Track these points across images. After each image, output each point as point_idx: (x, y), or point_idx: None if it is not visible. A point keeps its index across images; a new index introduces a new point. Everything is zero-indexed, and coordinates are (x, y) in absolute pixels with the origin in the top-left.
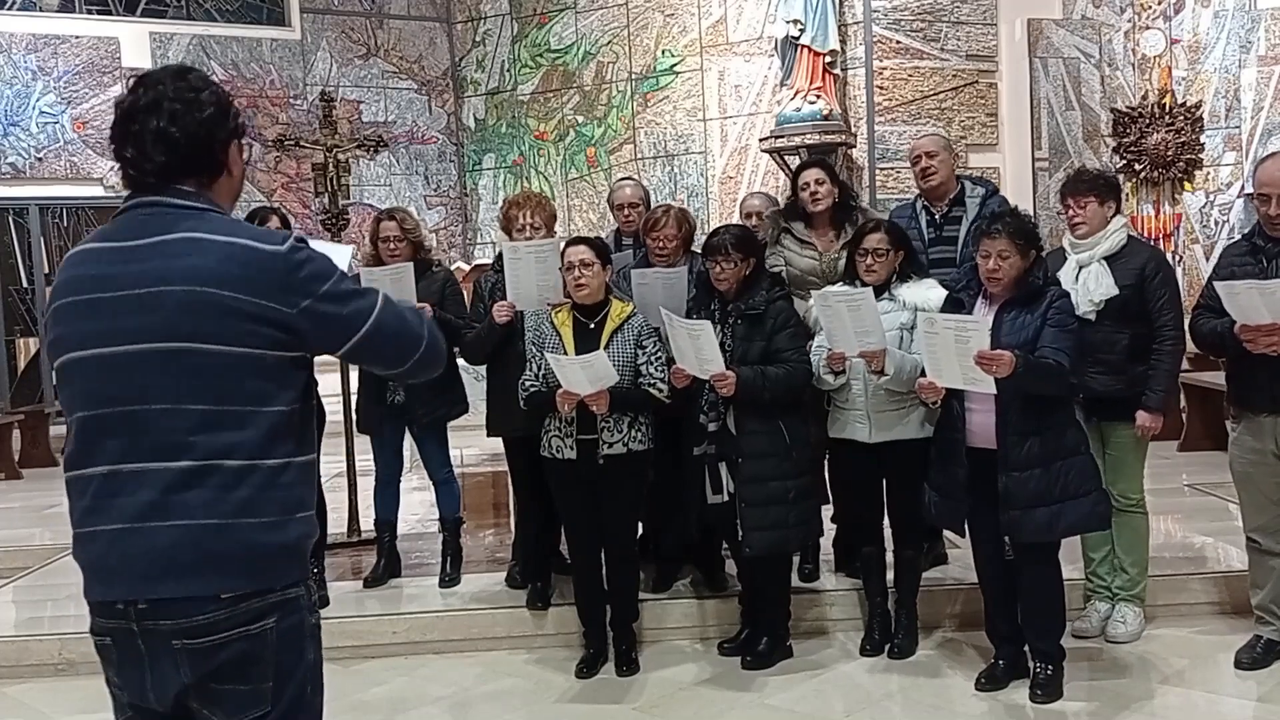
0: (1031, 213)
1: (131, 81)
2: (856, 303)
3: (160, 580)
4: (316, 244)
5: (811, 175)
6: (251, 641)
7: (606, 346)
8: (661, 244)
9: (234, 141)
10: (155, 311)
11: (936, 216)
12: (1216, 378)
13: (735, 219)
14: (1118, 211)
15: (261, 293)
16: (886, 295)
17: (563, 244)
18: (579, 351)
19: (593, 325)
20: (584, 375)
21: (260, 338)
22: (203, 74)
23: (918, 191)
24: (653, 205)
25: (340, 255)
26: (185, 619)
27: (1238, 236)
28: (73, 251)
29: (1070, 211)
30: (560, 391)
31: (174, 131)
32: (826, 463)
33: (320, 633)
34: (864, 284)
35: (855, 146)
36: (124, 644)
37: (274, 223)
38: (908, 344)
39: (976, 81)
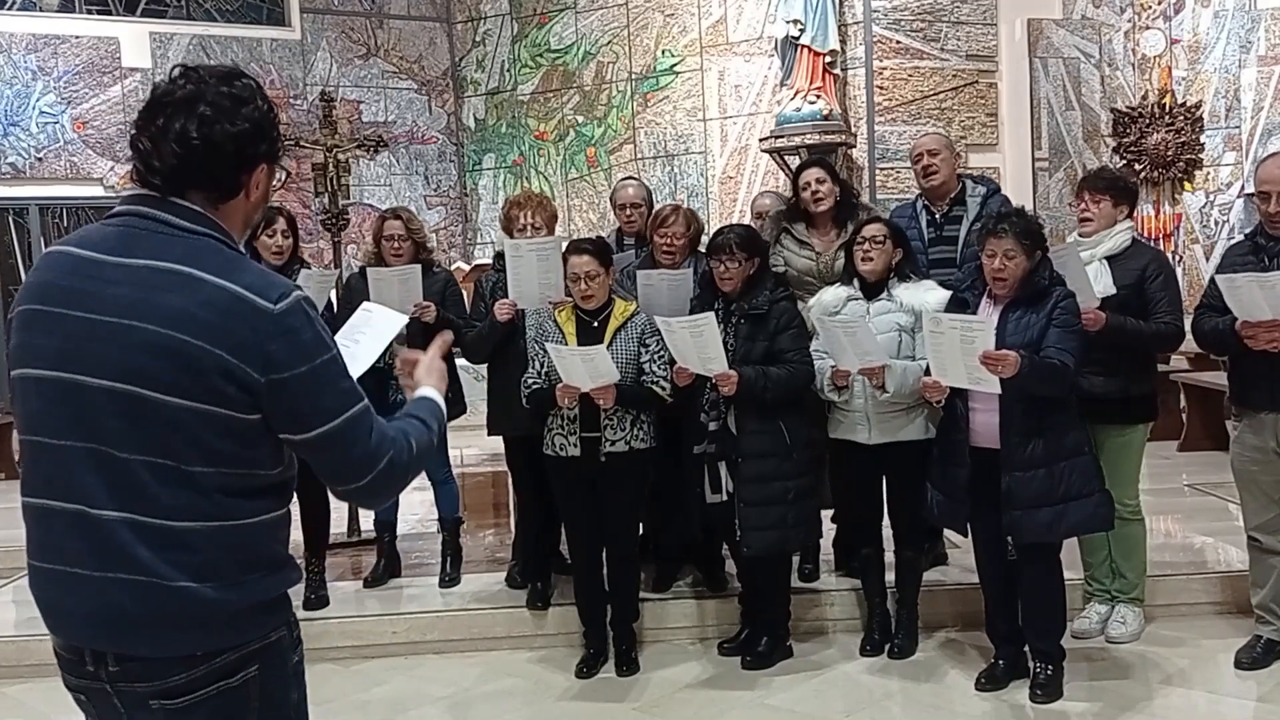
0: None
1: (175, 70)
2: (852, 328)
3: (121, 636)
4: (378, 309)
5: (812, 175)
6: (232, 694)
7: (609, 345)
8: (669, 242)
9: (263, 166)
10: (119, 348)
11: (937, 216)
12: (1217, 378)
13: (735, 219)
14: (1129, 216)
15: (236, 349)
16: (884, 295)
17: (564, 244)
18: None
19: (596, 324)
20: (584, 368)
21: (226, 398)
22: (254, 84)
23: (918, 191)
24: (654, 206)
25: (391, 325)
26: (160, 680)
27: (1238, 236)
28: (50, 250)
29: (1082, 206)
30: (560, 386)
31: (194, 138)
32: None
33: (303, 669)
34: (861, 280)
35: (855, 146)
36: (100, 703)
37: (280, 224)
38: (906, 345)
39: (976, 81)
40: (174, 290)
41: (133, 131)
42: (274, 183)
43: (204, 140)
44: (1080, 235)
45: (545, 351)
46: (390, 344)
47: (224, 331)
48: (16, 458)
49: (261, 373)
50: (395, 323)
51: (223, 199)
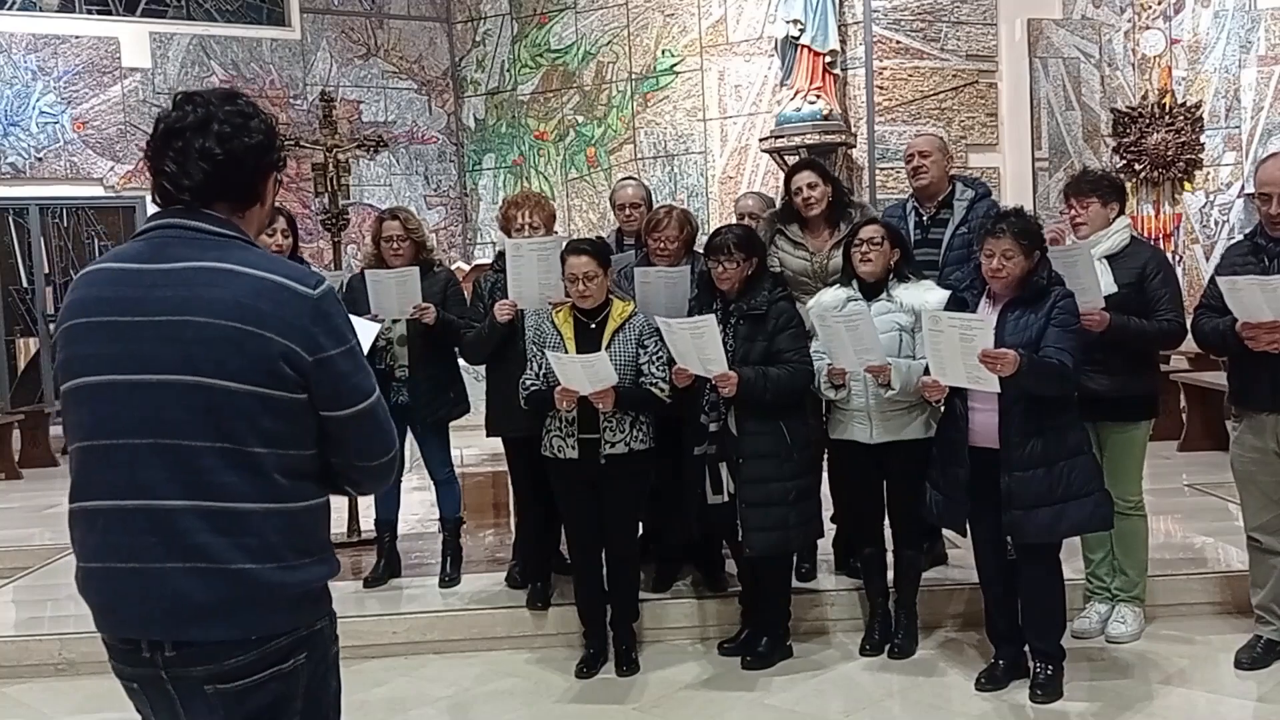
0: (1032, 213)
1: (178, 97)
2: (855, 322)
3: (186, 624)
4: (354, 320)
5: (803, 179)
6: (284, 680)
7: (608, 346)
8: (663, 245)
9: (273, 173)
10: (175, 343)
11: (924, 218)
12: (1217, 378)
13: (735, 219)
14: (1121, 212)
15: (286, 333)
16: (884, 296)
17: (564, 244)
18: (580, 351)
19: (594, 325)
20: (584, 374)
21: (280, 379)
22: (251, 103)
23: (910, 192)
24: (654, 206)
25: (367, 332)
26: (216, 664)
27: (1238, 236)
28: (86, 270)
29: (1072, 211)
30: (559, 389)
31: (219, 153)
32: (826, 463)
33: (339, 660)
34: (859, 281)
35: (855, 146)
36: (153, 689)
37: (280, 223)
38: (906, 345)
39: (976, 81)
40: (218, 285)
41: (150, 157)
42: (277, 188)
43: (227, 154)
44: (1076, 239)
45: (543, 354)
46: (391, 345)
47: (272, 317)
48: (17, 458)
49: (309, 352)
50: (369, 332)
51: (245, 207)
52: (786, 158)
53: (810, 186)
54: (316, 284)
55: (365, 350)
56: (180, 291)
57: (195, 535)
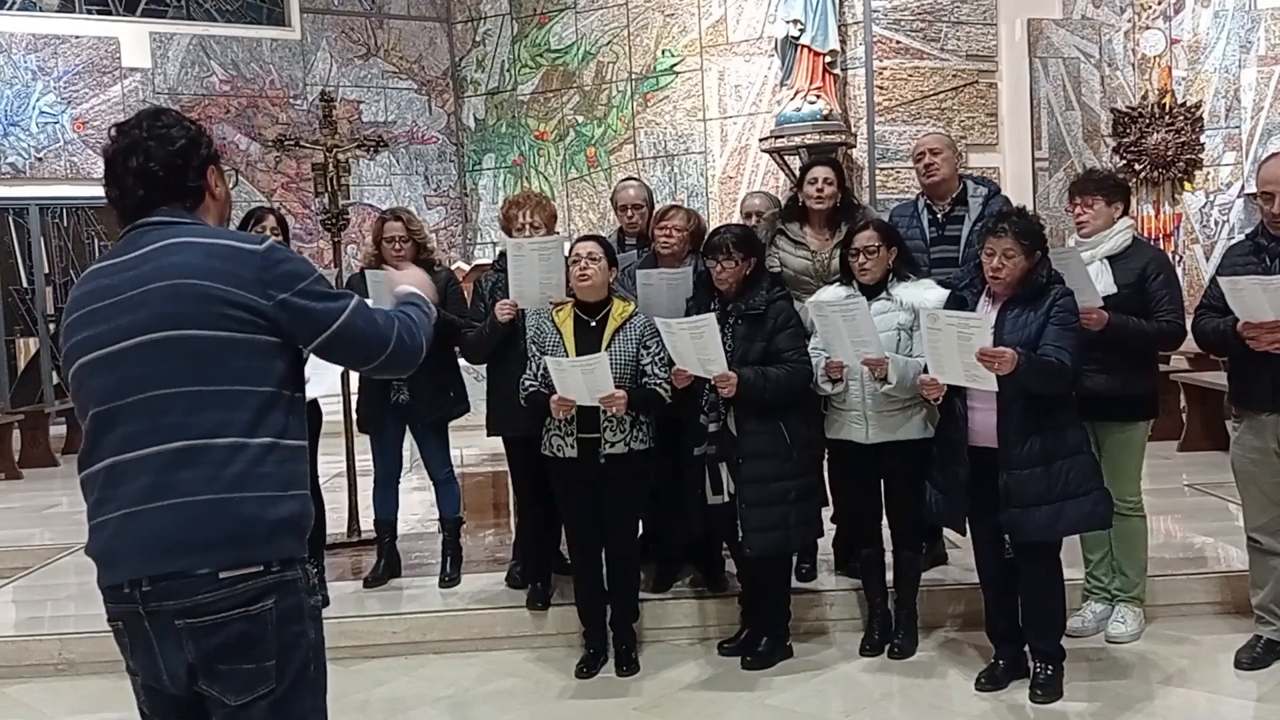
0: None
1: (111, 130)
2: (851, 313)
3: (160, 557)
4: (308, 368)
5: (821, 173)
6: (251, 622)
7: (608, 346)
8: (668, 233)
9: (210, 167)
10: (145, 307)
11: (939, 215)
12: (1217, 378)
13: (735, 219)
14: (1125, 212)
15: (240, 284)
16: (883, 295)
17: (567, 245)
18: (580, 350)
19: (594, 324)
20: (583, 380)
21: (241, 322)
22: (176, 113)
23: (919, 190)
24: (655, 206)
25: (329, 376)
26: (187, 598)
27: (1238, 236)
28: (83, 274)
29: (1077, 210)
30: (554, 399)
31: (152, 166)
32: (825, 463)
33: (320, 614)
34: (859, 284)
35: (855, 146)
36: (133, 628)
37: (270, 222)
38: (905, 344)
39: (976, 81)
40: (179, 252)
41: (107, 188)
42: (228, 182)
43: (159, 162)
44: (1079, 238)
45: (542, 356)
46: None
47: (224, 273)
48: (17, 458)
49: (267, 299)
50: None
51: (195, 204)
52: (787, 158)
53: (826, 181)
54: (260, 240)
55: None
56: (147, 266)
57: (171, 473)
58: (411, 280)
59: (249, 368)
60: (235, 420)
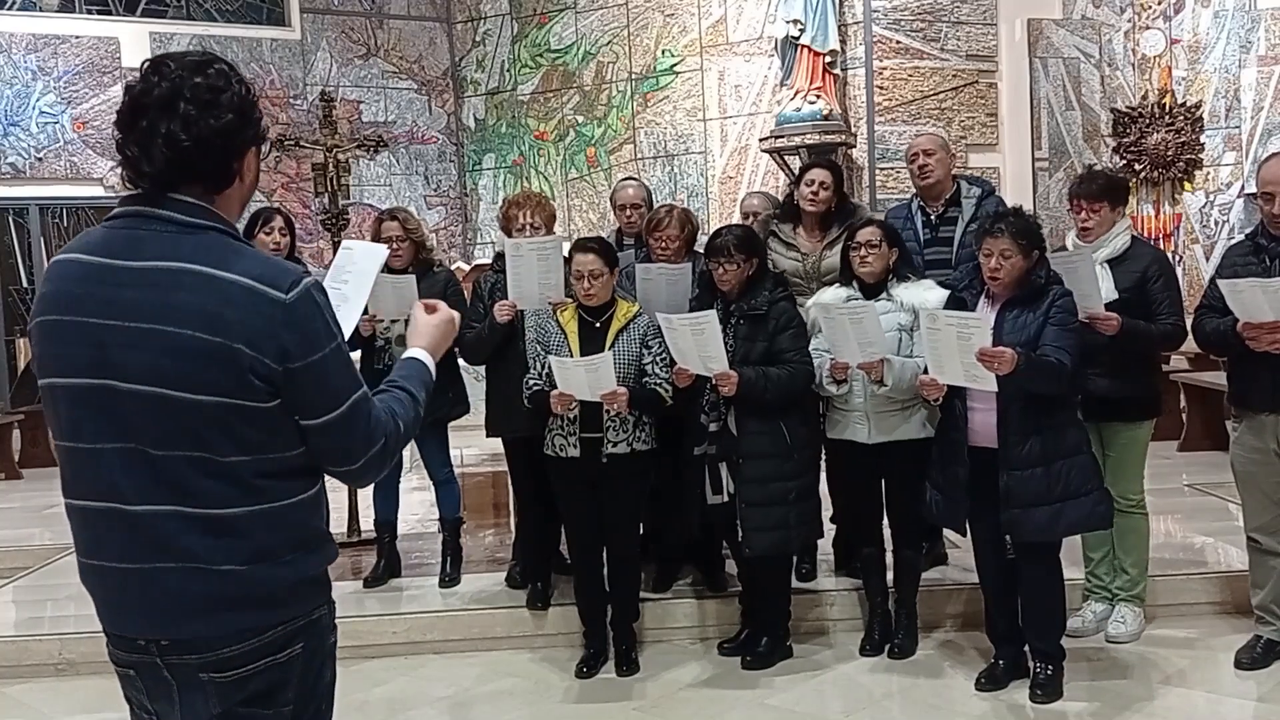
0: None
1: (145, 65)
2: (859, 315)
3: (182, 621)
4: (357, 244)
5: (817, 175)
6: (280, 669)
7: (611, 346)
8: (664, 244)
9: (251, 149)
10: (143, 351)
11: (932, 217)
12: (1217, 378)
13: (735, 219)
14: (1123, 213)
15: (254, 342)
16: (884, 296)
17: (566, 245)
18: (584, 350)
19: (598, 324)
20: (586, 379)
21: (249, 389)
22: (226, 68)
23: (914, 191)
24: (654, 206)
25: (376, 256)
26: (212, 654)
27: (1238, 236)
28: (57, 259)
29: (1082, 214)
30: (555, 393)
31: (184, 139)
32: (825, 463)
33: (336, 650)
34: (859, 280)
35: (855, 146)
36: (150, 675)
37: (278, 223)
38: (906, 345)
39: (976, 81)
40: (188, 290)
41: (118, 136)
42: (263, 160)
43: (194, 140)
44: (1079, 241)
45: (546, 355)
46: (390, 345)
47: (239, 325)
48: (17, 458)
49: (278, 362)
50: (377, 256)
51: (219, 189)
52: (787, 158)
53: (822, 185)
54: (291, 285)
55: (369, 282)
56: (149, 295)
57: (182, 538)
58: (421, 334)
59: (264, 436)
60: (249, 490)
